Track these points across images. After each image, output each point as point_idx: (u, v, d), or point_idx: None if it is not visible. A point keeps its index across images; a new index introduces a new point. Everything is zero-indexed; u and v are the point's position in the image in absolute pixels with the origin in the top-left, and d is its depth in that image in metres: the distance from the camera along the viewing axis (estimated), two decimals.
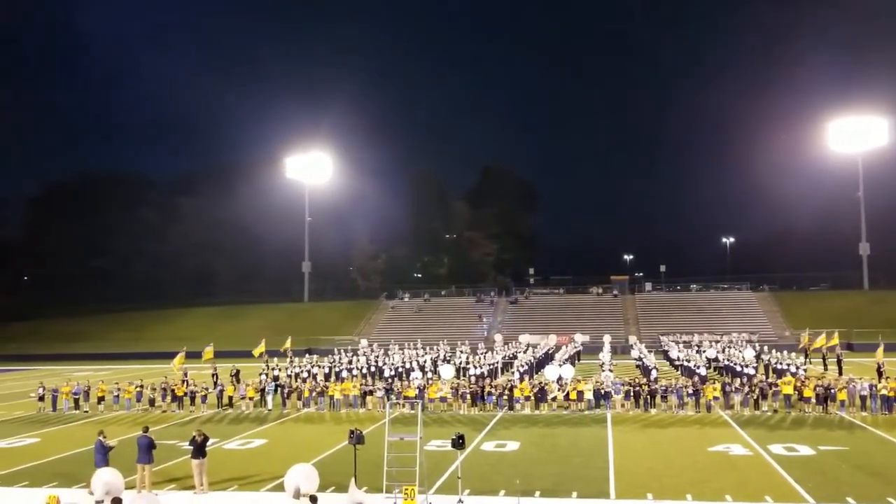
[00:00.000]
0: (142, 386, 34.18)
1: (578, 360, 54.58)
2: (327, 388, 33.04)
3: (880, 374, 36.02)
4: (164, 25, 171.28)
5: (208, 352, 44.16)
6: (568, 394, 30.81)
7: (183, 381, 34.90)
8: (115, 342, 78.67)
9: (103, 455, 18.36)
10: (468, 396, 31.06)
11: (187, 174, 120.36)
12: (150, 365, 60.23)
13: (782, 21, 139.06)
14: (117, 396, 34.03)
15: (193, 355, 46.72)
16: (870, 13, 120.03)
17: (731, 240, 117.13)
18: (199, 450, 18.02)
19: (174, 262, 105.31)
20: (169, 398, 33.07)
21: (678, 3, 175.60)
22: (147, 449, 18.28)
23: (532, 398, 30.86)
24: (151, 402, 33.35)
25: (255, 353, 47.78)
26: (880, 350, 41.08)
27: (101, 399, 33.87)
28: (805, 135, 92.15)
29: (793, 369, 35.99)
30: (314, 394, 32.66)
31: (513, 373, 40.74)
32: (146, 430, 18.96)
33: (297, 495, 15.92)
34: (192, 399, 33.09)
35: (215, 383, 36.01)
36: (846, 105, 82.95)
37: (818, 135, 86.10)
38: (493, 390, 31.47)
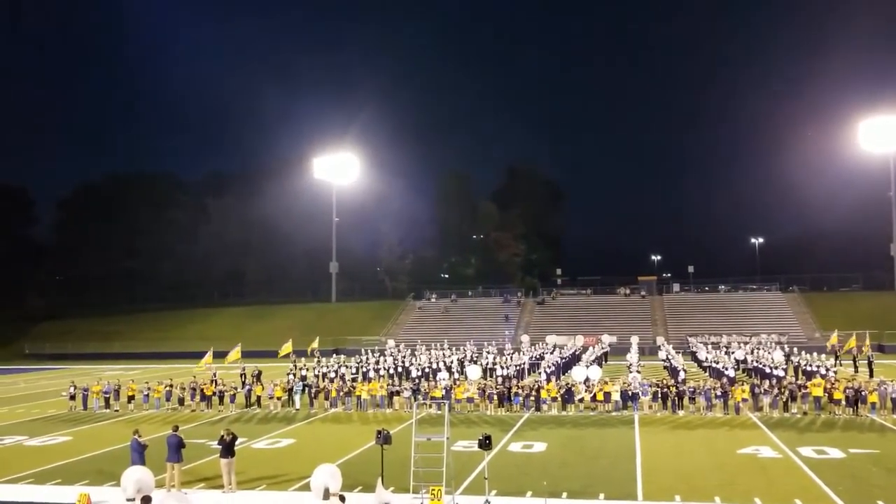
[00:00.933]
0: (171, 385, 34.61)
1: (606, 361, 54.27)
2: (354, 388, 33.21)
3: None
4: (195, 26, 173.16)
5: (235, 353, 44.54)
6: (595, 395, 30.67)
7: (212, 381, 35.31)
8: (145, 342, 79.70)
9: (140, 453, 18.62)
10: (495, 397, 31.04)
11: (216, 174, 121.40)
12: (180, 364, 60.94)
13: (812, 19, 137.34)
14: (147, 395, 34.48)
15: (225, 355, 47.28)
16: None
17: (761, 240, 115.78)
18: (228, 449, 18.20)
19: (203, 263, 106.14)
20: (198, 397, 33.44)
21: (707, 2, 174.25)
22: (177, 448, 18.52)
23: (559, 399, 30.79)
24: (181, 402, 33.77)
25: (281, 353, 48.04)
26: None
27: (131, 398, 34.29)
28: (836, 134, 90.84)
29: (823, 371, 35.53)
30: (341, 394, 32.83)
31: (540, 374, 40.62)
32: (176, 428, 19.20)
33: (327, 495, 16.04)
34: (221, 398, 33.46)
35: (243, 383, 36.38)
36: (878, 103, 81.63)
37: (849, 134, 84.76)
38: (519, 391, 31.43)
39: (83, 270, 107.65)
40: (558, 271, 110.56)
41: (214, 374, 38.09)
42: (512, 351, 53.34)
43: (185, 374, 44.81)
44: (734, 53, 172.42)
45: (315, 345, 51.32)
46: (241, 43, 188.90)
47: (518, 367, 43.13)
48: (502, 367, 40.92)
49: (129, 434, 19.78)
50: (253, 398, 33.90)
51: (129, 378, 40.60)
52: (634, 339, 57.80)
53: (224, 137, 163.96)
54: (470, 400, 31.48)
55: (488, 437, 17.17)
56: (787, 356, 44.73)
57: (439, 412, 28.87)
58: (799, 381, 33.18)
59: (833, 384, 29.94)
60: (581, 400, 30.95)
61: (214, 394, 33.56)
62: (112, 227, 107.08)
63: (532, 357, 49.22)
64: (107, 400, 34.07)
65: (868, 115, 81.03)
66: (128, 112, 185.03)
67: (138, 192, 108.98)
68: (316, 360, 46.80)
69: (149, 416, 32.12)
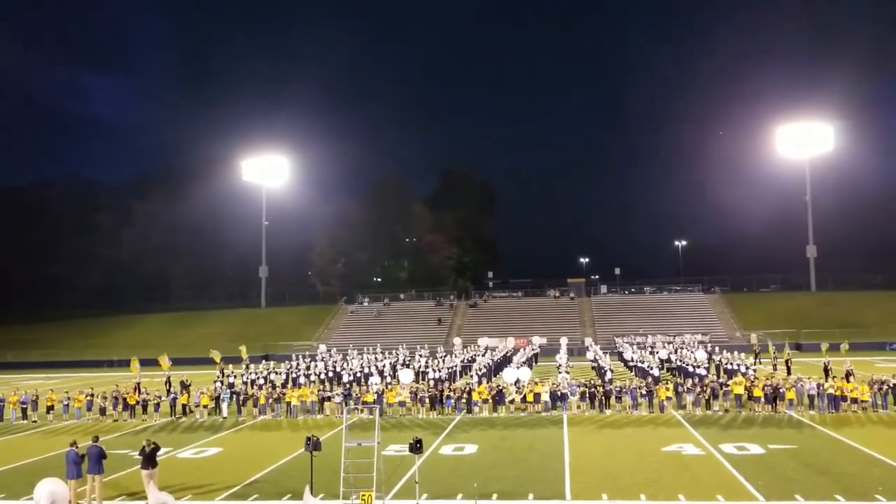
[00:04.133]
0: (92, 395, 33.50)
1: (536, 362, 54.98)
2: (284, 394, 32.77)
3: (827, 373, 36.98)
4: (116, 28, 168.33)
5: (164, 363, 43.17)
6: (525, 396, 31.04)
7: (135, 390, 34.31)
8: (69, 349, 76.89)
9: (78, 465, 17.98)
10: (427, 400, 31.09)
11: (142, 178, 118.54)
12: (105, 373, 59.06)
13: (732, 30, 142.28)
14: (67, 405, 33.26)
15: (150, 363, 46.02)
16: (817, 23, 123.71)
17: (684, 243, 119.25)
18: (149, 459, 17.71)
19: (129, 268, 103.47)
20: (120, 407, 32.50)
21: (631, 12, 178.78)
22: (97, 459, 17.94)
23: (490, 401, 31.03)
24: (102, 411, 32.74)
25: (217, 358, 46.45)
26: (824, 348, 41.44)
27: (50, 408, 33.02)
28: (755, 141, 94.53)
29: (743, 369, 36.76)
30: (270, 400, 32.35)
31: (471, 376, 40.85)
32: (96, 439, 18.61)
33: None
34: (145, 407, 32.54)
35: (168, 391, 35.44)
36: (794, 112, 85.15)
37: (767, 141, 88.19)
38: (451, 394, 31.53)
39: (5, 276, 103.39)
40: (490, 274, 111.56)
41: (138, 383, 36.99)
42: (444, 354, 53.48)
43: (108, 382, 43.46)
44: (660, 63, 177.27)
45: (244, 353, 49.70)
46: (166, 43, 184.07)
47: (450, 370, 43.28)
48: (434, 370, 40.99)
49: (48, 446, 19.16)
50: (178, 407, 33.08)
51: (48, 387, 39.14)
52: (563, 340, 58.59)
53: (149, 141, 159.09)
54: (402, 404, 31.42)
55: (419, 441, 17.17)
56: (710, 355, 46.03)
57: (371, 417, 28.73)
58: (720, 380, 34.23)
59: (753, 382, 31.05)
60: (511, 401, 31.26)
61: (138, 403, 32.62)
62: (35, 232, 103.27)
63: (464, 359, 49.47)
64: (24, 410, 32.78)
65: (785, 123, 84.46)
66: (51, 116, 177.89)
67: (62, 198, 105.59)
68: (245, 366, 45.98)
69: (69, 426, 30.99)
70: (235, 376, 40.79)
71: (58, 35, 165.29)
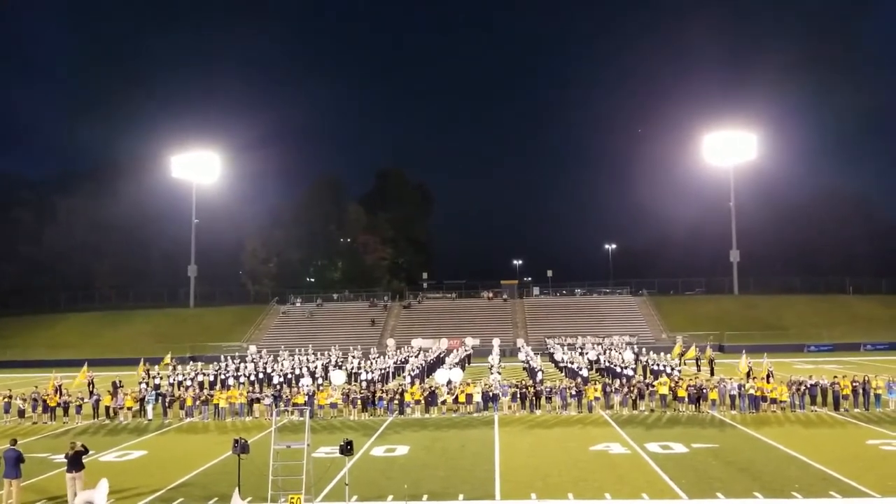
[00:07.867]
0: (10, 396, 32.25)
1: (469, 363, 55.28)
2: (212, 396, 32.12)
3: (748, 373, 38.24)
4: (41, 16, 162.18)
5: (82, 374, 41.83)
6: (457, 397, 31.21)
7: (56, 391, 33.17)
8: None
9: None
10: (359, 402, 30.93)
11: (66, 173, 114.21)
12: (23, 374, 56.80)
13: (660, 41, 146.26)
14: None
15: (71, 363, 44.53)
16: (741, 35, 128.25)
17: (614, 246, 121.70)
18: (73, 463, 17.16)
19: (51, 266, 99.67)
20: (40, 409, 31.37)
21: (561, 21, 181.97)
22: (15, 463, 17.32)
23: (422, 402, 31.07)
24: (21, 413, 31.54)
25: (139, 371, 44.93)
26: (743, 360, 42.31)
27: None
28: (682, 148, 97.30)
29: (668, 370, 37.72)
30: (198, 402, 31.68)
31: (404, 377, 40.83)
32: (14, 442, 17.96)
33: None
34: (66, 409, 31.48)
35: (91, 392, 34.36)
36: (719, 121, 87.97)
37: (694, 148, 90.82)
38: (384, 395, 31.47)
39: None
40: (424, 275, 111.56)
41: (59, 385, 35.77)
42: (377, 355, 53.30)
43: (26, 383, 41.90)
44: (592, 73, 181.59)
45: (168, 360, 48.55)
46: (90, 35, 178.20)
47: (383, 371, 43.16)
48: (367, 372, 40.83)
49: None
50: (101, 409, 32.10)
51: None
52: (496, 342, 59.16)
53: (75, 136, 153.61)
54: (333, 405, 31.20)
55: (350, 443, 17.09)
56: (637, 356, 47.11)
57: (301, 419, 28.44)
58: (647, 380, 35.08)
59: (677, 382, 31.93)
60: (444, 402, 31.37)
61: (59, 405, 31.53)
62: None
63: (397, 361, 49.40)
64: None
65: (710, 131, 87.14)
66: None
67: None
68: (171, 367, 44.94)
69: None
70: (161, 377, 39.83)
71: None
